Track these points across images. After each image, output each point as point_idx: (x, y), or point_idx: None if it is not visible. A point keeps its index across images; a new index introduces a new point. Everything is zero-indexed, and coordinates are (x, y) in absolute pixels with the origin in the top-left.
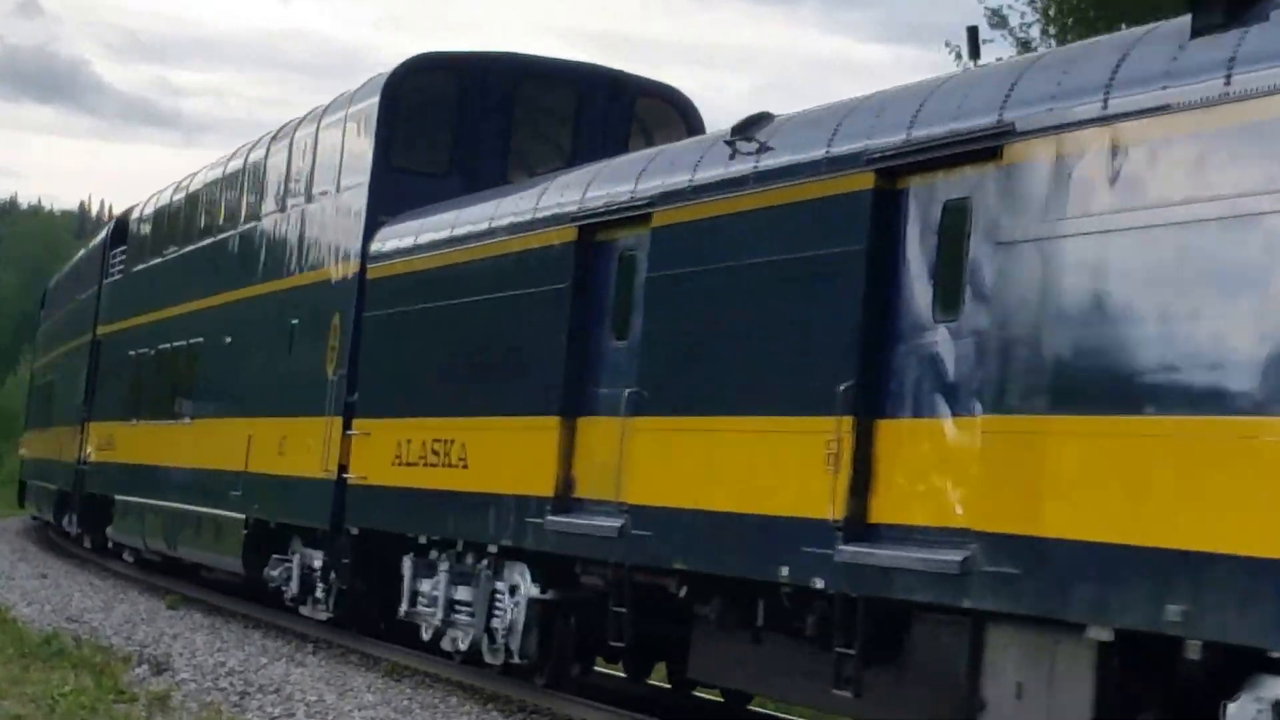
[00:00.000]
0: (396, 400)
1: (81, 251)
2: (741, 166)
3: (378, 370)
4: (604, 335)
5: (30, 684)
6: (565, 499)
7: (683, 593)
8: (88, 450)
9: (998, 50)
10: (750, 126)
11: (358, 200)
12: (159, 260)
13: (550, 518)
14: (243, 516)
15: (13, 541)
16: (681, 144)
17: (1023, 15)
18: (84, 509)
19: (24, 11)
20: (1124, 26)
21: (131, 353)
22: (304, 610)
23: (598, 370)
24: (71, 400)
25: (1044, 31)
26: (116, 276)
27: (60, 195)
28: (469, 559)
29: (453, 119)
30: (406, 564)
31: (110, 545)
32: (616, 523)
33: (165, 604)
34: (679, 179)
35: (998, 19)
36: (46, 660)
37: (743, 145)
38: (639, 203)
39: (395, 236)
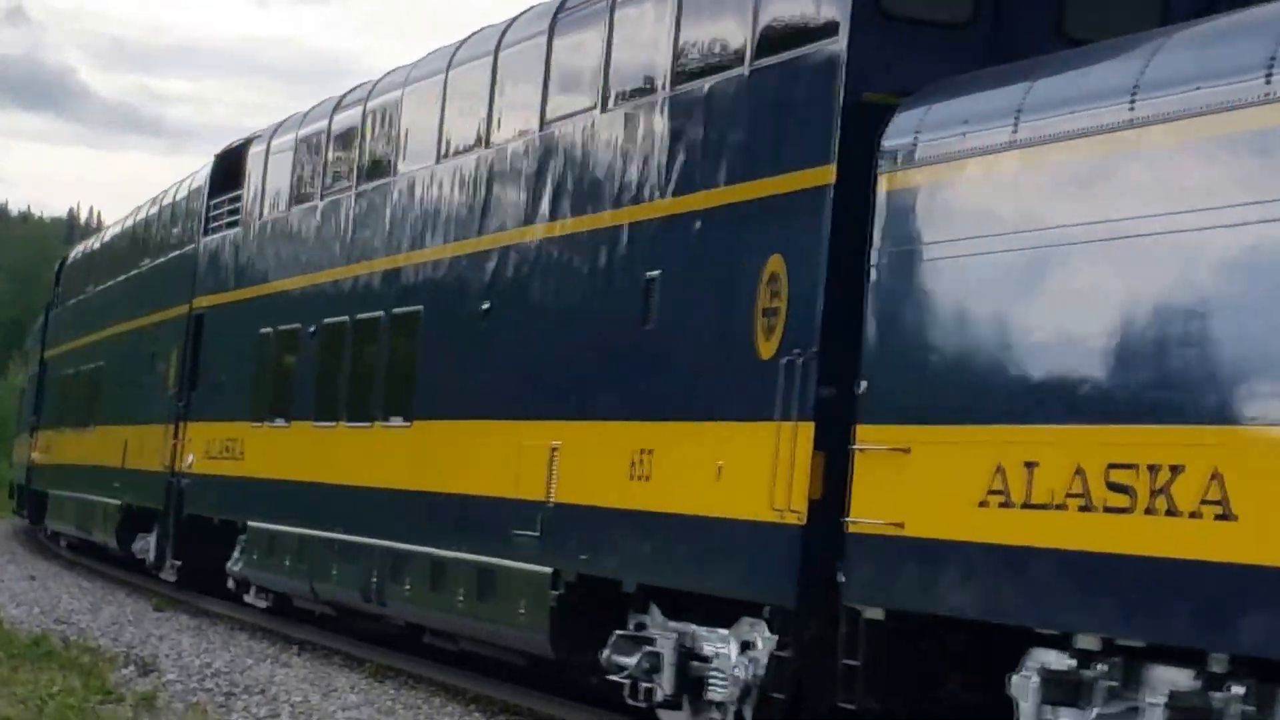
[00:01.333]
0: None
1: (145, 211)
2: None
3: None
4: None
5: (19, 685)
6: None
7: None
8: (188, 458)
9: None
10: None
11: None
12: (311, 205)
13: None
14: (548, 570)
15: (1, 544)
16: None
17: None
18: (182, 534)
19: (10, 20)
20: None
21: (266, 330)
22: None
23: None
24: (150, 393)
25: None
26: (226, 231)
27: (49, 202)
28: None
29: None
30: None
31: (232, 584)
32: None
33: (152, 605)
34: None
35: None
36: (35, 661)
37: None
38: None
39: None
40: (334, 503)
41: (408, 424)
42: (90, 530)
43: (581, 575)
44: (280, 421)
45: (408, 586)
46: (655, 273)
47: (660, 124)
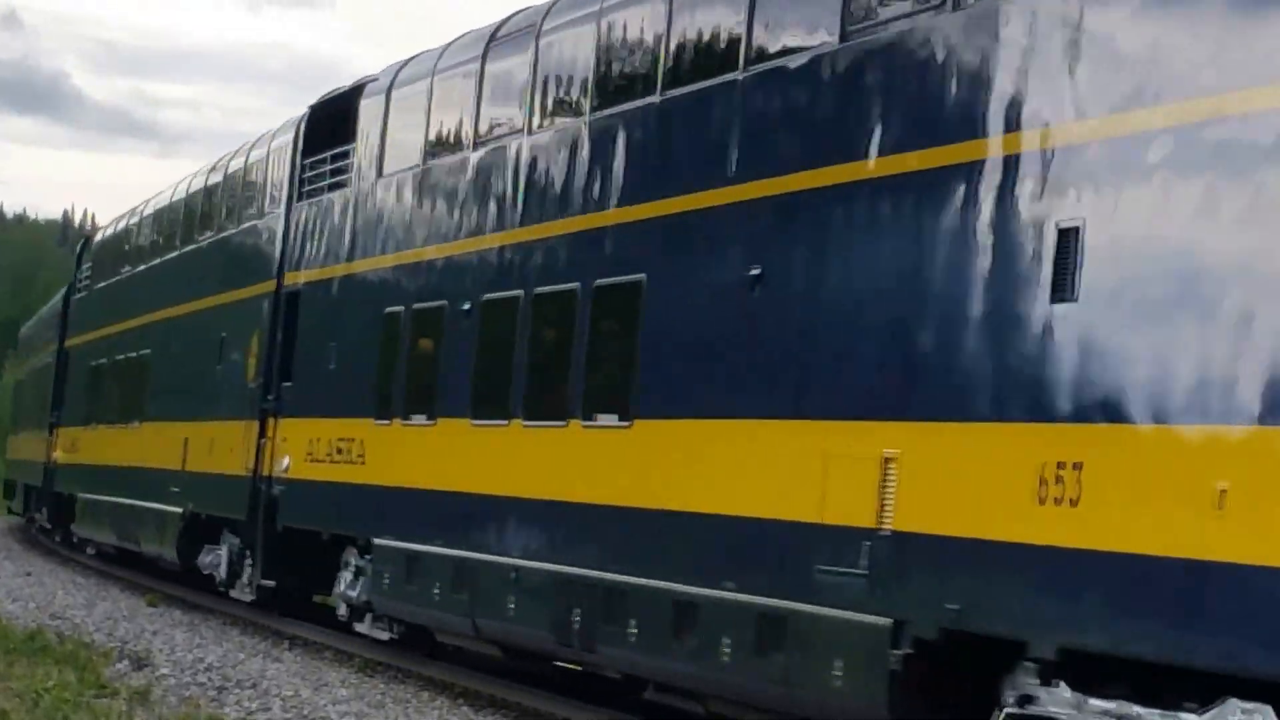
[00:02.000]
0: None
1: (202, 179)
2: None
3: None
4: None
5: (14, 679)
6: None
7: None
8: (282, 461)
9: None
10: None
11: None
12: (460, 157)
13: None
14: (885, 622)
15: None
16: None
17: None
18: (273, 549)
19: (4, 25)
20: None
21: (394, 309)
22: None
23: None
24: (221, 384)
25: None
26: (329, 194)
27: (44, 205)
28: None
29: None
30: None
31: (343, 611)
32: None
33: (146, 601)
34: None
35: None
36: (30, 656)
37: None
38: None
39: None
40: (506, 519)
41: (625, 423)
42: (137, 540)
43: (946, 630)
44: (420, 419)
45: (632, 630)
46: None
47: None
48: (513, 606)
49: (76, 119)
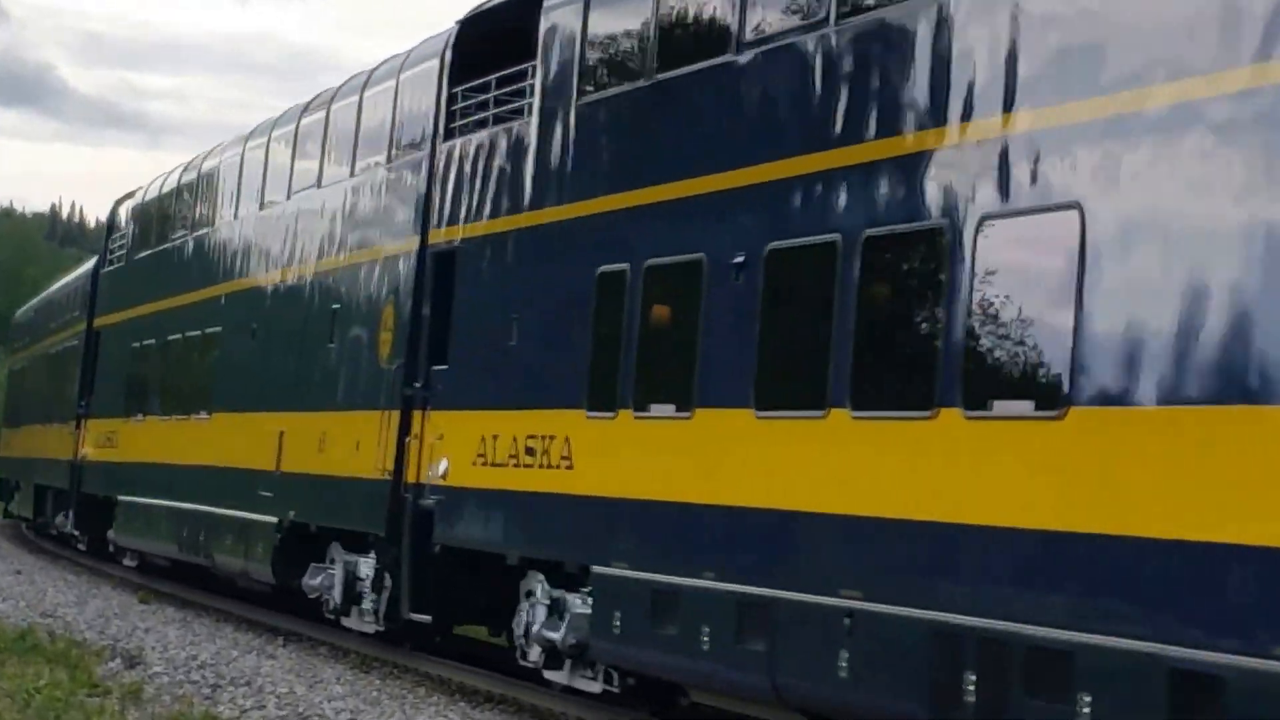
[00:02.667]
0: None
1: (285, 124)
2: None
3: None
4: None
5: (5, 679)
6: None
7: None
8: (439, 465)
9: None
10: None
11: None
12: (724, 60)
13: None
14: None
15: None
16: None
17: None
18: (424, 573)
19: None
20: None
21: (612, 266)
22: None
23: None
24: (335, 367)
25: None
26: (493, 129)
27: (30, 198)
28: None
29: None
30: None
31: (566, 662)
32: None
33: (138, 599)
34: None
35: None
36: (21, 655)
37: None
38: None
39: None
40: (832, 543)
41: (1056, 414)
42: (210, 554)
43: None
44: (664, 410)
45: (1085, 709)
46: None
47: None
48: (846, 664)
49: (63, 111)
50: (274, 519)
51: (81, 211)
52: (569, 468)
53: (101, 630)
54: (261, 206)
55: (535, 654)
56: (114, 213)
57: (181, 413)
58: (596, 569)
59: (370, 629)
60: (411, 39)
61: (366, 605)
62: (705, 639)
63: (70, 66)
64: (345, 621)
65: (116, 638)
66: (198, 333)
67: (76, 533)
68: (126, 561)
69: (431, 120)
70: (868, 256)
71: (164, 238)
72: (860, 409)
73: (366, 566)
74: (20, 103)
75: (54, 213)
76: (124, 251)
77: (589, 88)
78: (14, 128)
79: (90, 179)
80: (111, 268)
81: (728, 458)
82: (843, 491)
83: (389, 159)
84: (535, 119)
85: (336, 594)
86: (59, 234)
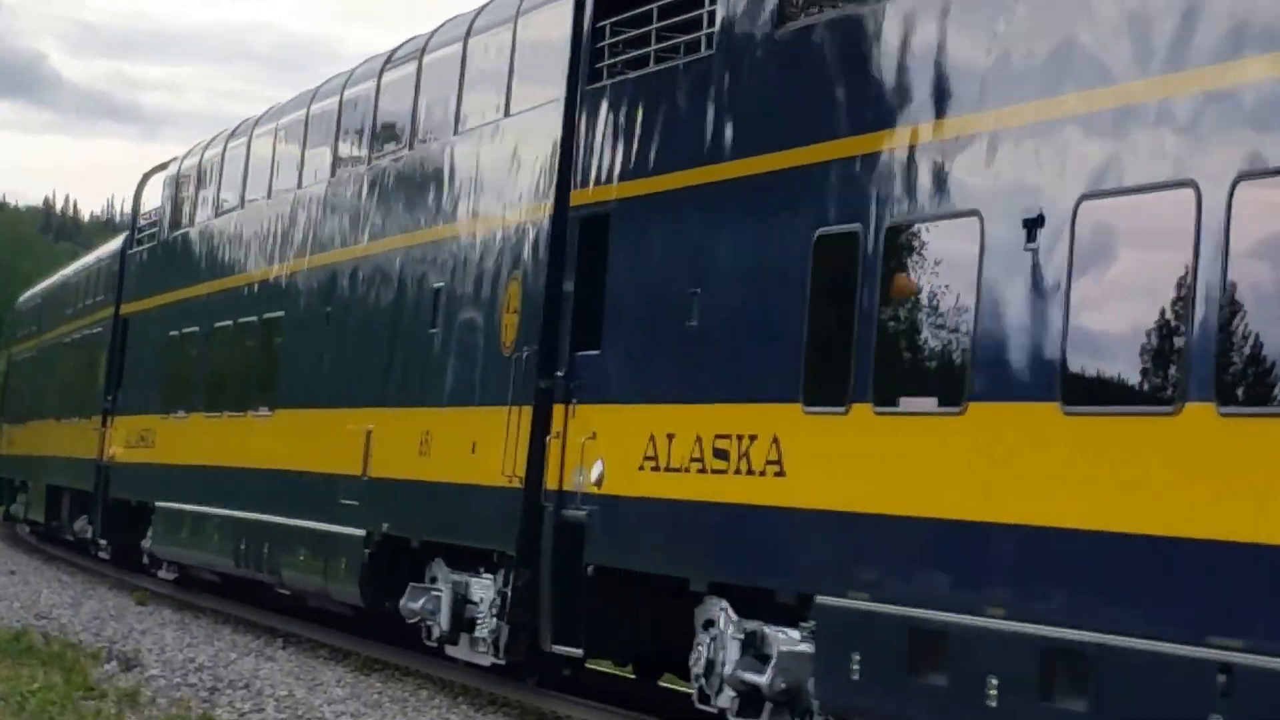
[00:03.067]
0: None
1: (368, 78)
2: None
3: None
4: None
5: None
6: None
7: None
8: (594, 468)
9: None
10: None
11: None
12: None
13: None
14: None
15: None
16: None
17: None
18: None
19: None
20: None
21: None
22: None
23: None
24: (436, 357)
25: None
26: (655, 68)
27: (24, 192)
28: None
29: None
30: None
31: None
32: None
33: (134, 600)
34: None
35: None
36: (15, 657)
37: None
38: None
39: None
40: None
41: None
42: (277, 570)
43: None
44: (920, 405)
45: None
46: None
47: None
48: None
49: (54, 102)
50: (361, 532)
51: (76, 205)
52: (779, 474)
53: (97, 632)
54: (334, 173)
55: (726, 699)
56: (140, 189)
57: (234, 409)
58: (823, 599)
59: (485, 661)
60: (406, 30)
61: (483, 633)
62: (991, 693)
63: (62, 56)
64: (452, 651)
65: (113, 640)
66: (254, 318)
67: (102, 541)
68: (163, 574)
69: (567, 63)
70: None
71: (206, 213)
72: (1229, 404)
73: (481, 588)
74: (12, 94)
75: (48, 206)
76: (155, 230)
77: (793, 9)
78: (6, 119)
79: (85, 172)
80: (142, 248)
81: (1020, 464)
82: (1207, 511)
83: (506, 111)
84: (720, 52)
85: (444, 619)
86: (54, 228)
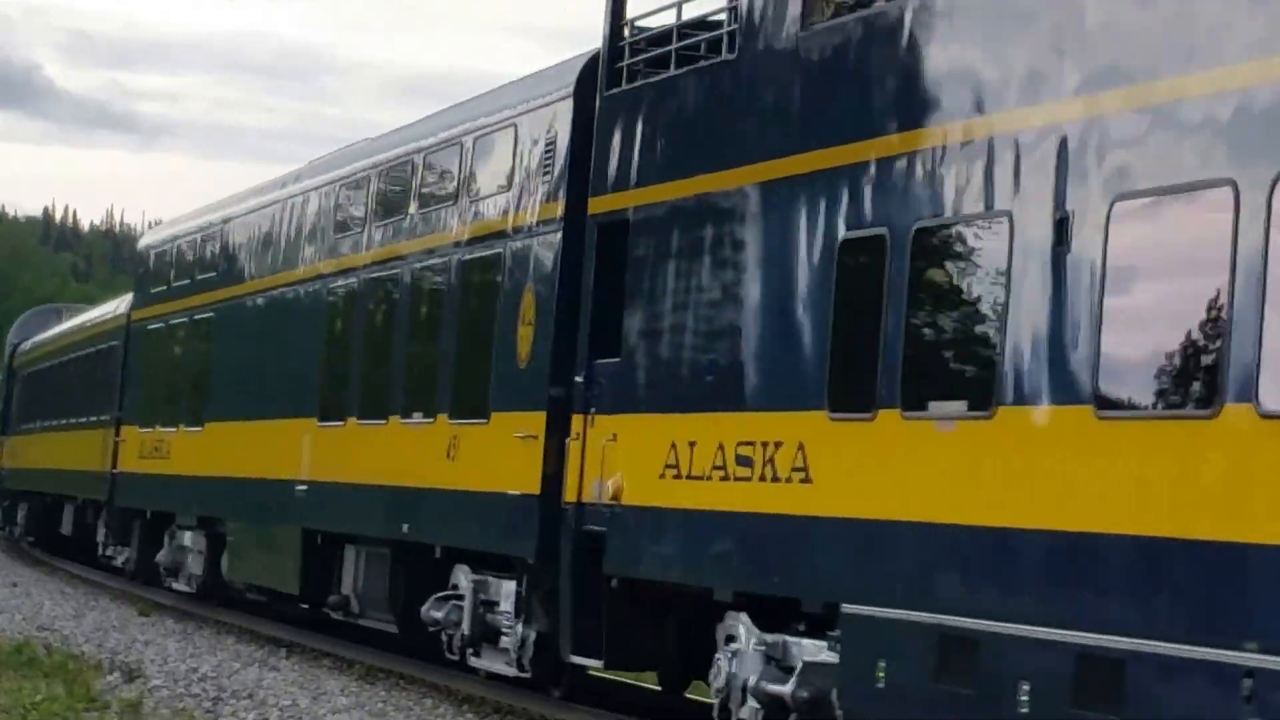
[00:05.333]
0: None
1: None
2: None
3: None
4: None
5: (2, 693)
6: None
7: None
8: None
9: None
10: None
11: None
12: None
13: None
14: None
15: None
16: None
17: None
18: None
19: None
20: None
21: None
22: None
23: None
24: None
25: None
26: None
27: (23, 202)
28: None
29: None
30: None
31: None
32: None
33: (137, 611)
34: None
35: None
36: (17, 669)
37: None
38: None
39: None
40: None
41: None
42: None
43: None
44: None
45: None
46: None
47: None
48: None
49: (50, 112)
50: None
51: (75, 215)
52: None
53: (100, 643)
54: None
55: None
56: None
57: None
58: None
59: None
60: (404, 38)
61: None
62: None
63: (58, 66)
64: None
65: (115, 651)
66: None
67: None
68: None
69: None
70: None
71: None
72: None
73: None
74: (7, 105)
75: (48, 216)
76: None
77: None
78: (3, 130)
79: (83, 182)
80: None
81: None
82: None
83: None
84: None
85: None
86: (53, 238)
